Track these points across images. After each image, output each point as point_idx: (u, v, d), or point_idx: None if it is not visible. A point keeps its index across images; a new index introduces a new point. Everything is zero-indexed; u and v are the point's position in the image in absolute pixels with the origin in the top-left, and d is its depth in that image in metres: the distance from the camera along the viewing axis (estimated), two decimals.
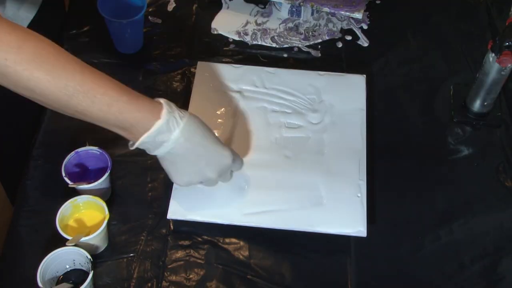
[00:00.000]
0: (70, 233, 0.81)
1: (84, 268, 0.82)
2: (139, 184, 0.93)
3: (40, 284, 0.76)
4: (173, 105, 0.75)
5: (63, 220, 0.83)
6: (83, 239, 0.80)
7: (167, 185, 0.91)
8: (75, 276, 0.82)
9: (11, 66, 0.64)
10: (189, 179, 0.80)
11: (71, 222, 0.85)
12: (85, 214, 0.85)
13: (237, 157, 0.83)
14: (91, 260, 0.79)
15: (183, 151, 0.76)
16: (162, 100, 0.74)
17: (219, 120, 0.98)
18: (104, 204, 0.83)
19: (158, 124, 0.72)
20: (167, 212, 0.88)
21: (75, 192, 0.87)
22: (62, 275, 0.82)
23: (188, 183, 0.81)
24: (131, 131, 0.73)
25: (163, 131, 0.73)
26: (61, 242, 0.81)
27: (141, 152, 0.96)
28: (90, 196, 0.84)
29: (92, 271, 0.78)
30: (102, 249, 0.86)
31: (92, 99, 0.69)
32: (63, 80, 0.67)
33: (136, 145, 0.74)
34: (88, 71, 0.70)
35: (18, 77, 0.65)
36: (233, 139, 0.95)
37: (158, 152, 0.76)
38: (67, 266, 0.82)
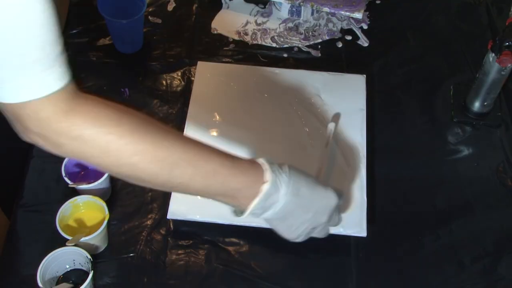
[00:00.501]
0: (70, 233, 0.81)
1: (84, 268, 0.82)
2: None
3: (40, 284, 0.76)
4: (274, 163, 0.71)
5: (63, 220, 0.83)
6: (83, 239, 0.80)
7: None
8: (75, 276, 0.82)
9: (114, 140, 0.60)
10: (301, 231, 0.75)
11: (71, 222, 0.85)
12: (85, 214, 0.86)
13: (340, 193, 0.78)
14: (91, 260, 0.79)
15: (291, 207, 0.71)
16: (263, 160, 0.71)
17: (219, 119, 0.98)
18: (104, 204, 0.83)
19: (266, 187, 0.68)
20: (167, 212, 0.88)
21: (75, 192, 0.87)
22: (62, 275, 0.82)
23: (301, 236, 0.76)
24: (237, 197, 0.69)
25: (271, 193, 0.69)
26: (61, 242, 0.81)
27: None
28: (90, 196, 0.84)
29: (92, 271, 0.78)
30: (102, 249, 0.86)
31: (195, 166, 0.65)
32: (166, 150, 0.63)
33: (247, 213, 0.70)
34: (189, 140, 0.66)
35: (121, 152, 0.61)
36: (233, 139, 0.95)
37: (267, 215, 0.72)
38: (67, 266, 0.82)
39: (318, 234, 0.79)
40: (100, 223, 0.83)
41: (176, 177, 0.65)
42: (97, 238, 0.82)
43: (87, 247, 0.81)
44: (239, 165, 0.68)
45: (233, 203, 0.71)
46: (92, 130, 0.59)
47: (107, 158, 0.61)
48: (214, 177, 0.67)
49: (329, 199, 0.75)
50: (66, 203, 0.84)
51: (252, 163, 0.70)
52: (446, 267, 0.87)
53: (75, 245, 0.80)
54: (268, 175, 0.69)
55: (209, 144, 0.68)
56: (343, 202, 0.80)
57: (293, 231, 0.75)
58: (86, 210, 0.86)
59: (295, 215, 0.73)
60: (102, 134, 0.60)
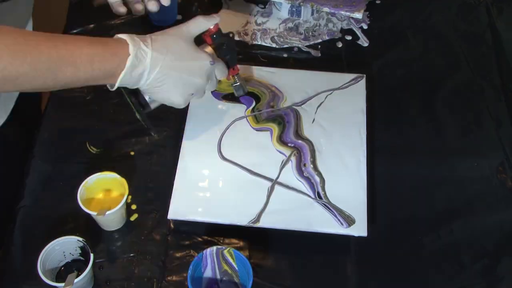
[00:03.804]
0: (92, 208, 0.83)
1: (82, 258, 0.83)
2: (139, 184, 0.93)
3: (42, 276, 0.77)
4: (136, 37, 0.76)
5: (84, 195, 0.85)
6: (109, 212, 0.82)
7: (167, 185, 0.91)
8: (75, 266, 0.83)
9: None
10: (182, 95, 0.82)
11: (92, 197, 0.87)
12: (101, 192, 0.88)
13: (218, 61, 0.85)
14: (88, 244, 0.80)
15: (162, 73, 0.78)
16: (123, 36, 0.76)
17: (219, 119, 0.98)
18: (123, 181, 0.86)
19: (129, 60, 0.74)
20: (167, 212, 0.88)
21: (74, 192, 0.86)
22: (63, 266, 0.83)
23: (185, 100, 0.83)
24: (115, 75, 0.75)
25: (135, 65, 0.75)
26: None
27: (141, 153, 0.96)
28: (109, 173, 0.87)
29: (93, 254, 0.79)
30: (122, 224, 0.88)
31: (74, 64, 0.71)
32: (45, 63, 0.68)
33: (117, 84, 0.76)
34: (60, 42, 0.71)
35: (6, 79, 0.66)
36: (233, 136, 0.96)
37: (142, 85, 0.78)
38: (64, 257, 0.83)
39: (200, 95, 0.85)
40: (119, 198, 0.85)
41: (60, 80, 0.71)
42: (119, 212, 0.84)
43: (108, 222, 0.85)
44: (108, 47, 0.74)
45: (112, 82, 0.76)
46: None
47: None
48: (91, 66, 0.72)
49: (201, 59, 0.81)
50: (91, 177, 0.85)
51: (118, 41, 0.75)
52: (446, 267, 0.87)
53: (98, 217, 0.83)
54: (130, 49, 0.74)
55: (77, 36, 0.74)
56: (222, 72, 0.86)
57: (174, 97, 0.81)
58: (102, 188, 0.88)
59: (170, 80, 0.79)
60: None
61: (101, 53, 0.73)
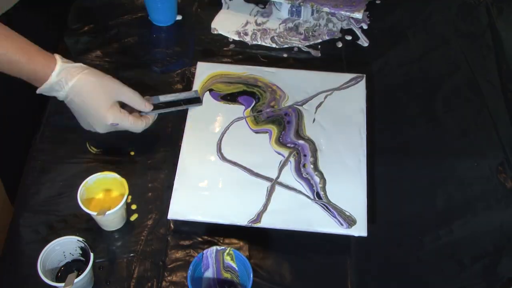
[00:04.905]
0: (92, 208, 0.84)
1: (81, 258, 0.83)
2: (139, 184, 0.93)
3: (41, 275, 0.77)
4: (66, 68, 0.85)
5: (83, 196, 0.85)
6: (108, 212, 0.82)
7: (167, 185, 0.91)
8: (75, 266, 0.83)
9: None
10: (85, 126, 0.91)
11: (91, 198, 0.87)
12: (100, 192, 0.88)
13: (125, 120, 0.89)
14: (88, 244, 0.80)
15: (72, 105, 0.88)
16: (58, 60, 0.84)
17: (218, 119, 0.98)
18: (123, 180, 0.86)
19: (47, 85, 0.84)
20: (167, 212, 0.88)
21: (74, 192, 0.86)
22: (63, 266, 0.83)
23: (86, 128, 0.92)
24: (35, 84, 0.84)
25: (52, 90, 0.85)
26: None
27: (141, 153, 0.96)
28: (109, 173, 0.87)
29: (93, 254, 0.79)
30: (121, 224, 0.88)
31: None
32: None
33: (37, 92, 0.85)
34: None
35: None
36: (233, 137, 0.96)
37: (58, 98, 0.87)
38: (64, 257, 0.83)
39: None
40: (119, 198, 0.86)
41: None
42: (118, 212, 0.84)
43: (108, 222, 0.86)
44: (32, 64, 0.82)
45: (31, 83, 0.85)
46: None
47: None
48: (9, 68, 0.82)
49: (103, 119, 0.88)
50: (90, 177, 0.86)
51: (46, 61, 0.84)
52: (446, 267, 0.87)
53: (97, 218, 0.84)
54: (52, 77, 0.83)
55: (14, 36, 0.82)
56: (129, 125, 0.90)
57: (79, 121, 0.91)
58: (102, 188, 0.88)
59: (76, 113, 0.89)
60: None
61: (22, 64, 0.81)
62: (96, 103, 0.87)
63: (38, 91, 0.85)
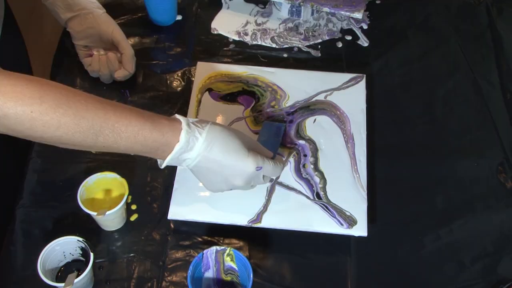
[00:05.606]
0: (92, 208, 0.83)
1: (81, 258, 0.83)
2: (139, 184, 0.93)
3: (41, 275, 0.77)
4: (191, 122, 0.76)
5: (83, 195, 0.85)
6: (108, 212, 0.82)
7: (167, 185, 0.91)
8: (75, 266, 0.83)
9: (38, 118, 0.65)
10: (219, 187, 0.81)
11: (92, 198, 0.87)
12: (101, 192, 0.88)
13: (267, 162, 0.81)
14: (88, 244, 0.80)
15: (205, 164, 0.77)
16: (181, 119, 0.76)
17: (218, 119, 0.98)
18: (123, 180, 0.85)
19: (178, 146, 0.74)
20: (167, 212, 0.88)
21: (74, 192, 0.86)
22: (63, 266, 0.83)
23: (219, 190, 0.82)
24: (157, 154, 0.76)
25: (184, 151, 0.75)
26: None
27: None
28: (109, 172, 0.86)
29: (93, 254, 0.79)
30: (122, 225, 0.88)
31: (118, 133, 0.71)
32: (89, 121, 0.68)
33: (164, 165, 0.77)
34: (109, 107, 0.71)
35: (46, 127, 0.66)
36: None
37: (186, 166, 0.78)
38: (65, 257, 0.83)
39: (241, 189, 0.82)
40: (119, 198, 0.85)
41: (100, 142, 0.71)
42: (118, 212, 0.84)
43: (107, 222, 0.85)
44: (159, 126, 0.74)
45: (155, 157, 0.77)
46: (16, 109, 0.64)
47: (34, 133, 0.67)
48: (135, 139, 0.72)
49: (245, 165, 0.78)
50: (90, 177, 0.85)
51: (172, 123, 0.75)
52: (446, 267, 0.87)
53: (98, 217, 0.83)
54: (182, 135, 0.74)
55: (130, 107, 0.74)
56: (274, 171, 0.82)
57: (210, 185, 0.82)
58: (102, 188, 0.88)
59: (211, 172, 0.79)
60: (25, 113, 0.65)
61: (147, 130, 0.73)
62: (235, 151, 0.78)
63: (167, 162, 0.76)
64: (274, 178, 0.85)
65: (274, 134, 0.93)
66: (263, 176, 0.82)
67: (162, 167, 0.77)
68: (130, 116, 0.72)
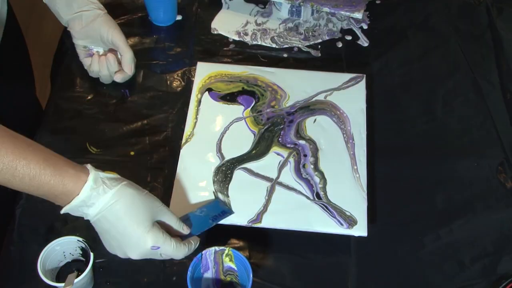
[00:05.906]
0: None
1: (82, 258, 0.83)
2: (139, 184, 0.92)
3: (41, 275, 0.77)
4: (101, 178, 0.72)
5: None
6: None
7: (167, 185, 0.91)
8: (75, 266, 0.83)
9: None
10: (113, 251, 0.77)
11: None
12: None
13: (168, 243, 0.75)
14: (88, 244, 0.80)
15: (103, 225, 0.74)
16: (91, 172, 0.72)
17: (218, 119, 0.98)
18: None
19: (77, 200, 0.71)
20: None
21: None
22: (63, 266, 0.83)
23: (115, 253, 0.77)
24: (57, 201, 0.72)
25: (83, 205, 0.72)
26: None
27: (141, 153, 0.96)
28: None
29: (93, 254, 0.78)
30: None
31: (13, 174, 0.68)
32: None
33: (62, 212, 0.73)
34: (10, 143, 0.68)
35: None
36: (233, 137, 0.96)
37: (85, 217, 0.74)
38: (65, 257, 0.83)
39: (136, 261, 0.77)
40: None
41: (13, 184, 0.69)
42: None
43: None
44: (61, 174, 0.70)
45: (56, 203, 0.73)
46: None
47: None
48: (30, 182, 0.69)
49: (141, 241, 0.74)
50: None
51: (77, 173, 0.71)
52: (446, 267, 0.87)
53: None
54: (84, 189, 0.71)
55: (39, 147, 0.71)
56: (178, 253, 0.77)
57: (106, 245, 0.77)
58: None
59: (107, 235, 0.75)
60: None
61: (48, 175, 0.69)
62: (135, 222, 0.73)
63: (64, 210, 0.72)
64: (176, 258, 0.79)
65: (213, 217, 0.86)
66: (161, 254, 0.76)
67: (62, 212, 0.73)
68: (31, 158, 0.68)
